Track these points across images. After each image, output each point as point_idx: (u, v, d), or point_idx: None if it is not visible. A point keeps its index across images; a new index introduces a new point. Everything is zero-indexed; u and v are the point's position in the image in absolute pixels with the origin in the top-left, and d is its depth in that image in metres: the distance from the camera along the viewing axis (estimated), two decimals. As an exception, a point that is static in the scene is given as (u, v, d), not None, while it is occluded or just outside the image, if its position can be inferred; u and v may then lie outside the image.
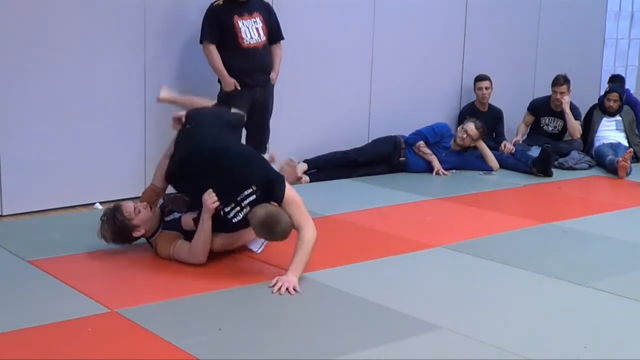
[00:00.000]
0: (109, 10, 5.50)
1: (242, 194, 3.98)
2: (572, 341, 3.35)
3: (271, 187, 4.03)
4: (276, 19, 5.89)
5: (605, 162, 7.34)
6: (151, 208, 4.32)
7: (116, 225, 4.20)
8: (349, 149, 6.80)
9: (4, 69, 5.11)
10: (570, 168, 7.38)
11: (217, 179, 4.05)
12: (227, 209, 4.01)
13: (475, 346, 3.25)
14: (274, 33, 5.86)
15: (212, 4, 5.67)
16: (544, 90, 7.98)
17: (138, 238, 4.30)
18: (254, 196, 3.98)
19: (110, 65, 5.55)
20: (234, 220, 4.04)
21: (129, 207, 4.26)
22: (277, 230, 3.91)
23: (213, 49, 5.64)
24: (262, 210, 3.93)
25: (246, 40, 5.66)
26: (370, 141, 7.09)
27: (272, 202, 4.03)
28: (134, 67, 5.67)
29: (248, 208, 3.98)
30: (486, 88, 7.63)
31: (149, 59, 5.72)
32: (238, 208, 4.00)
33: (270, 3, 6.06)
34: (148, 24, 5.68)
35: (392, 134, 7.03)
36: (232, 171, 4.07)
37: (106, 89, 5.56)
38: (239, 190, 3.99)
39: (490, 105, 7.75)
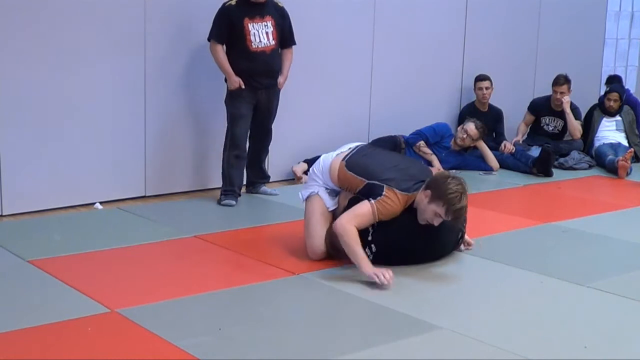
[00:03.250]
0: (109, 11, 5.49)
1: None
2: (572, 341, 3.35)
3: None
4: (290, 24, 5.78)
5: (605, 162, 7.34)
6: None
7: None
8: (349, 149, 6.79)
9: (4, 69, 5.11)
10: (570, 168, 7.38)
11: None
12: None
13: (475, 346, 3.25)
14: (285, 38, 5.76)
15: (224, 3, 5.55)
16: (544, 90, 7.98)
17: None
18: None
19: (110, 66, 5.55)
20: None
21: None
22: None
23: (219, 48, 5.55)
24: None
25: (254, 44, 5.54)
26: (370, 141, 7.08)
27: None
28: (134, 67, 5.67)
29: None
30: (486, 88, 7.62)
31: (149, 60, 5.72)
32: None
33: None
34: (148, 25, 5.68)
35: (392, 134, 7.03)
36: None
37: (106, 89, 5.55)
38: None
39: (490, 105, 7.75)
